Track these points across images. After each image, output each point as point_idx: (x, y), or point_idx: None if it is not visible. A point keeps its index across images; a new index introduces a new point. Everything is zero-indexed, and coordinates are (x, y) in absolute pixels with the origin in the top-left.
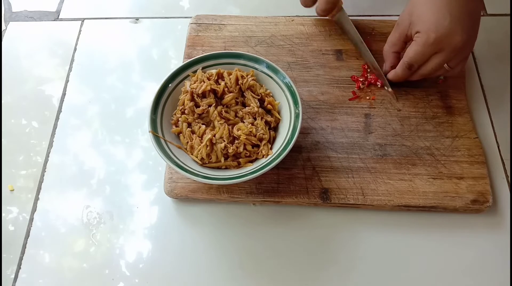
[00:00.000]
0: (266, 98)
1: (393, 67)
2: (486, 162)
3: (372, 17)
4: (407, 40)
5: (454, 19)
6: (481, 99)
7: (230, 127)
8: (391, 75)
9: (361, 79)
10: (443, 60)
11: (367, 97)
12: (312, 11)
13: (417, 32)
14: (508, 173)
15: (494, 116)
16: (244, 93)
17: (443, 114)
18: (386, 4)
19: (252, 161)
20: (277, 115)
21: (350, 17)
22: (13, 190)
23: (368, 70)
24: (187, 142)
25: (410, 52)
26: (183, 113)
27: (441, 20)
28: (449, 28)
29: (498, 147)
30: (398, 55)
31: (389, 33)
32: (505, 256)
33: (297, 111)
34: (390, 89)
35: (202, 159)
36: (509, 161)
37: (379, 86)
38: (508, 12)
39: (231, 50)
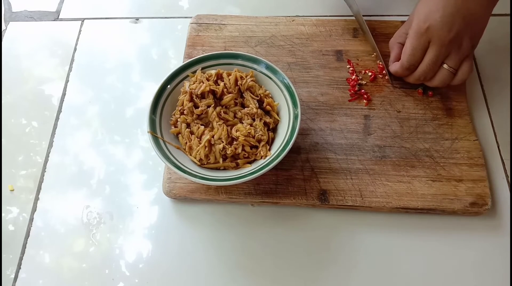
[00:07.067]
0: (265, 99)
1: (398, 58)
2: (485, 164)
3: (373, 17)
4: None
5: (446, 14)
6: (481, 99)
7: (228, 128)
8: (392, 68)
9: (355, 86)
10: (436, 55)
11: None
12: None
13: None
14: (508, 174)
15: (494, 116)
16: (243, 94)
17: (443, 116)
18: (387, 5)
19: (250, 162)
20: (276, 116)
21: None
22: (13, 190)
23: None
24: (186, 143)
25: (406, 47)
26: (182, 113)
27: (433, 12)
28: (440, 21)
29: (498, 147)
30: (403, 46)
31: (391, 33)
32: (505, 259)
33: (296, 112)
34: (391, 81)
35: (200, 160)
36: (509, 161)
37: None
38: (508, 12)
39: (231, 50)
